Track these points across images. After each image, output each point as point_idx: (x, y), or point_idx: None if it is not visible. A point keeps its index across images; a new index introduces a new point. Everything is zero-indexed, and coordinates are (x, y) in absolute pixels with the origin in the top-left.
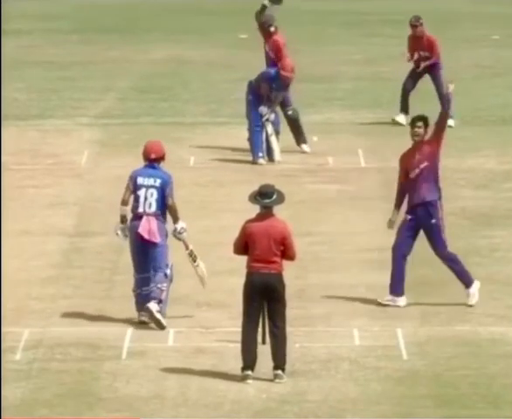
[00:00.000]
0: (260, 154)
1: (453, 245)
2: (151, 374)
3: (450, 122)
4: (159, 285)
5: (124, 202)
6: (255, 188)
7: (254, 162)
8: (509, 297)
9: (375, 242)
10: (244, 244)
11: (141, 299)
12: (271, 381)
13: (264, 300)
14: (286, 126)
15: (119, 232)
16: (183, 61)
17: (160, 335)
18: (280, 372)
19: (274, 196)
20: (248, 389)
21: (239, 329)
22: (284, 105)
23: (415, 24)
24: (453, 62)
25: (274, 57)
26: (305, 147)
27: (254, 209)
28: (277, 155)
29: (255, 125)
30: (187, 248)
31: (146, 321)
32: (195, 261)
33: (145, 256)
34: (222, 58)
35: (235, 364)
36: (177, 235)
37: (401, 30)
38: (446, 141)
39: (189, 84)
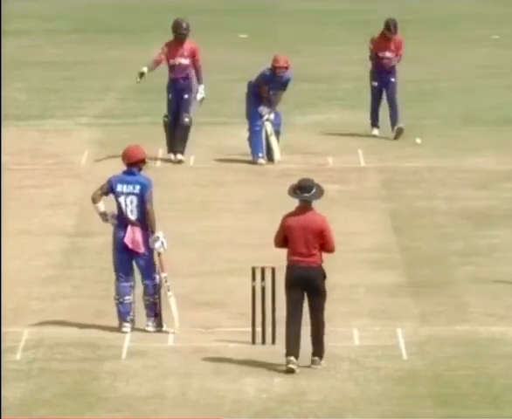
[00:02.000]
0: (260, 155)
1: (453, 245)
2: (151, 374)
3: (375, 132)
4: (151, 299)
5: (94, 200)
6: (255, 188)
7: (254, 162)
8: (509, 297)
9: (375, 242)
10: (283, 238)
11: (123, 309)
12: (271, 381)
13: (304, 292)
14: (285, 126)
15: (114, 221)
16: None
17: (160, 335)
18: (316, 358)
19: (313, 191)
20: (248, 389)
21: (239, 329)
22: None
23: (394, 31)
24: (453, 62)
25: None
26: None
27: (254, 210)
28: (277, 155)
29: (255, 125)
30: (162, 270)
31: (128, 331)
32: (169, 290)
33: (128, 265)
34: (222, 58)
35: (235, 364)
36: (151, 243)
37: (402, 30)
38: (446, 141)
39: None
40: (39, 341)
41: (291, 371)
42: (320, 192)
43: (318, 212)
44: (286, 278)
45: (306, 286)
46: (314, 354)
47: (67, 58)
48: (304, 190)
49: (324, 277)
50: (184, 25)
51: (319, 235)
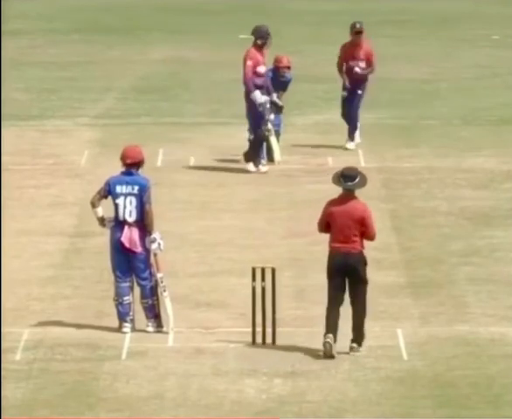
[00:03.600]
0: (263, 162)
1: (453, 245)
2: (151, 374)
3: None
4: (150, 301)
5: (93, 205)
6: (255, 188)
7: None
8: (509, 297)
9: (375, 242)
10: (326, 224)
11: (123, 309)
12: (271, 381)
13: (345, 278)
14: (285, 126)
15: (111, 225)
16: (183, 61)
17: (160, 336)
18: (355, 345)
19: (357, 179)
20: (248, 390)
21: (239, 329)
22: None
23: (360, 29)
24: (453, 62)
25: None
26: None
27: (254, 210)
28: (277, 156)
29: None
30: (158, 270)
31: (128, 332)
32: (165, 290)
33: (126, 265)
34: (222, 58)
35: (235, 364)
36: (147, 243)
37: (401, 30)
38: (446, 141)
39: (189, 84)
40: (39, 342)
41: (328, 346)
42: (363, 181)
43: (360, 200)
44: (327, 264)
45: (346, 273)
46: (353, 341)
47: (67, 58)
48: (348, 179)
49: (365, 264)
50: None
51: (360, 222)
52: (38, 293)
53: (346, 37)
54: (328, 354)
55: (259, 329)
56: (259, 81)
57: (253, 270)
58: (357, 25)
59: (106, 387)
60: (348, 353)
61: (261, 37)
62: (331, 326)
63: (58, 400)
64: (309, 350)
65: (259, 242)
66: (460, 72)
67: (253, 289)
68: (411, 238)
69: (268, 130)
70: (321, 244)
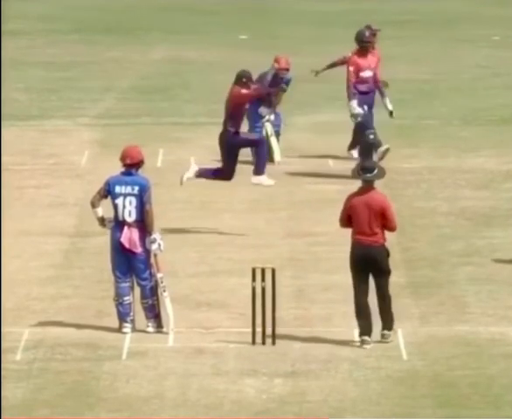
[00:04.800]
0: None
1: (453, 245)
2: (151, 374)
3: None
4: (150, 301)
5: (93, 205)
6: (255, 188)
7: None
8: (509, 297)
9: None
10: (347, 217)
11: (123, 310)
12: (271, 381)
13: (368, 270)
14: (285, 126)
15: (111, 226)
16: (183, 61)
17: (160, 336)
18: (386, 332)
19: (375, 171)
20: (248, 390)
21: (239, 329)
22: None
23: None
24: (453, 62)
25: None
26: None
27: (254, 210)
28: (277, 156)
29: (255, 126)
30: (158, 270)
31: (128, 332)
32: (164, 290)
33: (126, 265)
34: (222, 58)
35: (235, 364)
36: (148, 244)
37: (402, 30)
38: (446, 141)
39: (189, 84)
40: (39, 341)
41: (369, 347)
42: (381, 173)
43: (380, 191)
44: (350, 257)
45: (368, 264)
46: (383, 328)
47: (67, 59)
48: (366, 171)
49: (388, 255)
50: (367, 34)
51: (380, 214)
52: (38, 293)
53: (346, 38)
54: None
55: (258, 329)
56: (362, 87)
57: (253, 270)
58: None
59: (106, 387)
60: (350, 355)
61: (361, 42)
62: (364, 324)
63: (58, 400)
64: (309, 350)
65: (259, 242)
66: (460, 72)
67: (253, 289)
68: (411, 238)
69: (369, 137)
70: (321, 245)
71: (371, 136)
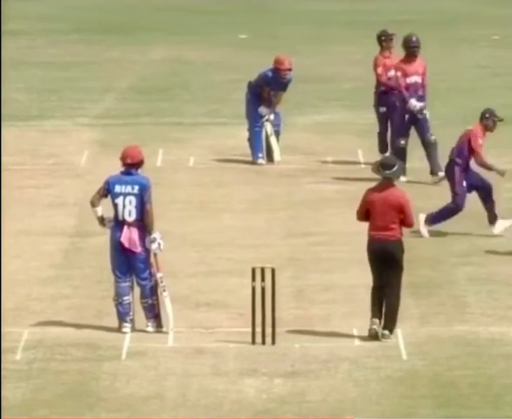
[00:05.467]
0: (260, 155)
1: (453, 245)
2: (151, 374)
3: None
4: (150, 301)
5: (93, 204)
6: (255, 188)
7: (254, 163)
8: (509, 297)
9: None
10: (365, 212)
11: (123, 309)
12: (271, 381)
13: (383, 264)
14: (285, 126)
15: (111, 225)
16: (183, 61)
17: (160, 336)
18: (386, 332)
19: (395, 168)
20: (248, 390)
21: (239, 329)
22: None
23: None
24: (453, 62)
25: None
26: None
27: (254, 210)
28: (277, 156)
29: (255, 125)
30: (158, 270)
31: (128, 332)
32: (164, 290)
33: (126, 265)
34: (222, 58)
35: (235, 364)
36: (147, 243)
37: (401, 30)
38: (446, 141)
39: (189, 84)
40: (39, 342)
41: (374, 333)
42: (401, 170)
43: (399, 188)
44: (367, 251)
45: (384, 259)
46: (384, 327)
47: (67, 59)
48: (386, 167)
49: (403, 251)
50: (414, 39)
51: (398, 209)
52: (38, 293)
53: (346, 38)
54: (373, 338)
55: (258, 329)
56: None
57: (253, 270)
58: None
59: (106, 387)
60: (349, 355)
61: (407, 48)
62: (375, 311)
63: (58, 400)
64: (309, 350)
65: (259, 242)
66: (460, 72)
67: (253, 289)
68: (412, 238)
69: (401, 142)
70: (321, 244)
71: (402, 142)
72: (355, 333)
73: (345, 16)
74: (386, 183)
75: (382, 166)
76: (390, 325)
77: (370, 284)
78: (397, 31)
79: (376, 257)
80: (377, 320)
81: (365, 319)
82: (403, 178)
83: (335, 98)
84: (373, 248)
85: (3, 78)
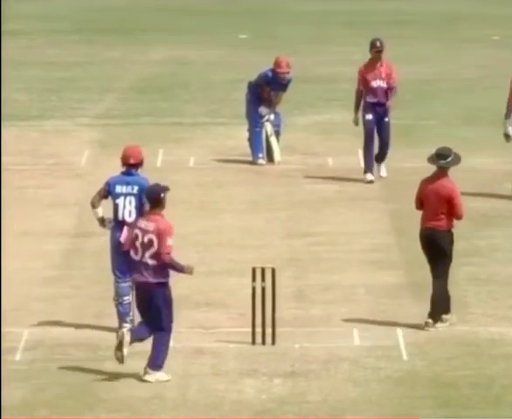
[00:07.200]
0: (260, 155)
1: (453, 246)
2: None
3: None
4: None
5: (93, 205)
6: (255, 188)
7: (254, 163)
8: (509, 297)
9: (375, 242)
10: (421, 201)
11: (123, 309)
12: (271, 381)
13: (431, 254)
14: (285, 126)
15: (111, 226)
16: (183, 61)
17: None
18: (430, 320)
19: (449, 158)
20: (248, 390)
21: (239, 329)
22: None
23: (381, 48)
24: (453, 62)
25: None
26: None
27: (254, 210)
28: (277, 156)
29: (255, 125)
30: None
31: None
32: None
33: (125, 265)
34: (222, 58)
35: (235, 364)
36: None
37: (401, 30)
38: (446, 141)
39: (189, 84)
40: (39, 342)
41: (426, 326)
42: (456, 160)
43: (450, 179)
44: (419, 241)
45: (432, 248)
46: (429, 316)
47: (67, 59)
48: (441, 157)
49: (451, 242)
50: (378, 44)
51: (447, 201)
52: (38, 293)
53: (346, 38)
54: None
55: (258, 329)
56: None
57: (253, 270)
58: (377, 43)
59: (106, 387)
60: (349, 355)
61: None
62: (434, 307)
63: (58, 400)
64: (309, 350)
65: (259, 242)
66: (460, 72)
67: (253, 289)
68: (411, 238)
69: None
70: (321, 245)
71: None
72: (355, 333)
73: (345, 16)
74: (440, 173)
75: (437, 156)
76: (434, 314)
77: (369, 284)
78: (396, 32)
79: (425, 247)
80: (430, 321)
81: (365, 319)
82: (383, 173)
83: (335, 98)
84: (422, 237)
85: (3, 78)
